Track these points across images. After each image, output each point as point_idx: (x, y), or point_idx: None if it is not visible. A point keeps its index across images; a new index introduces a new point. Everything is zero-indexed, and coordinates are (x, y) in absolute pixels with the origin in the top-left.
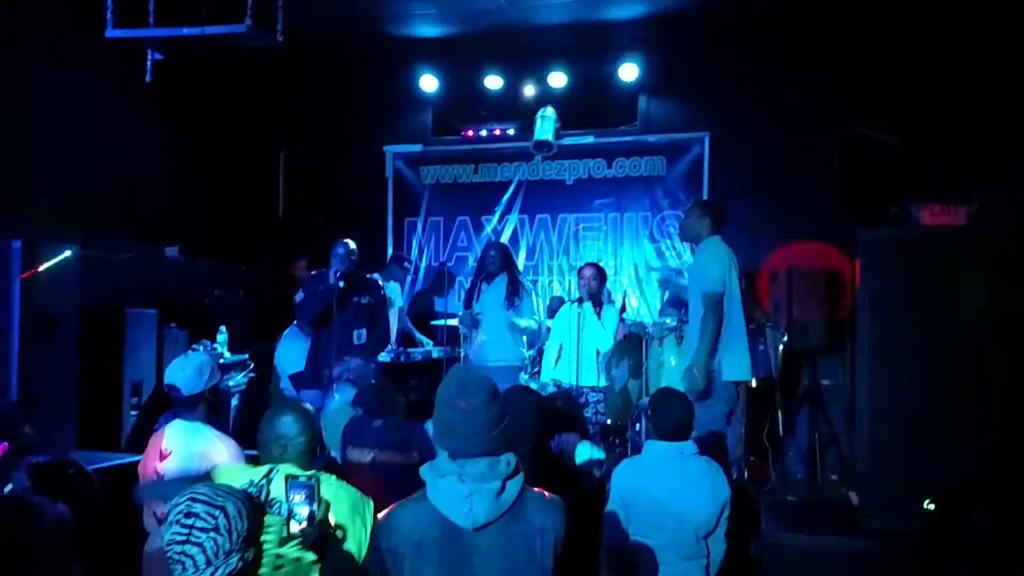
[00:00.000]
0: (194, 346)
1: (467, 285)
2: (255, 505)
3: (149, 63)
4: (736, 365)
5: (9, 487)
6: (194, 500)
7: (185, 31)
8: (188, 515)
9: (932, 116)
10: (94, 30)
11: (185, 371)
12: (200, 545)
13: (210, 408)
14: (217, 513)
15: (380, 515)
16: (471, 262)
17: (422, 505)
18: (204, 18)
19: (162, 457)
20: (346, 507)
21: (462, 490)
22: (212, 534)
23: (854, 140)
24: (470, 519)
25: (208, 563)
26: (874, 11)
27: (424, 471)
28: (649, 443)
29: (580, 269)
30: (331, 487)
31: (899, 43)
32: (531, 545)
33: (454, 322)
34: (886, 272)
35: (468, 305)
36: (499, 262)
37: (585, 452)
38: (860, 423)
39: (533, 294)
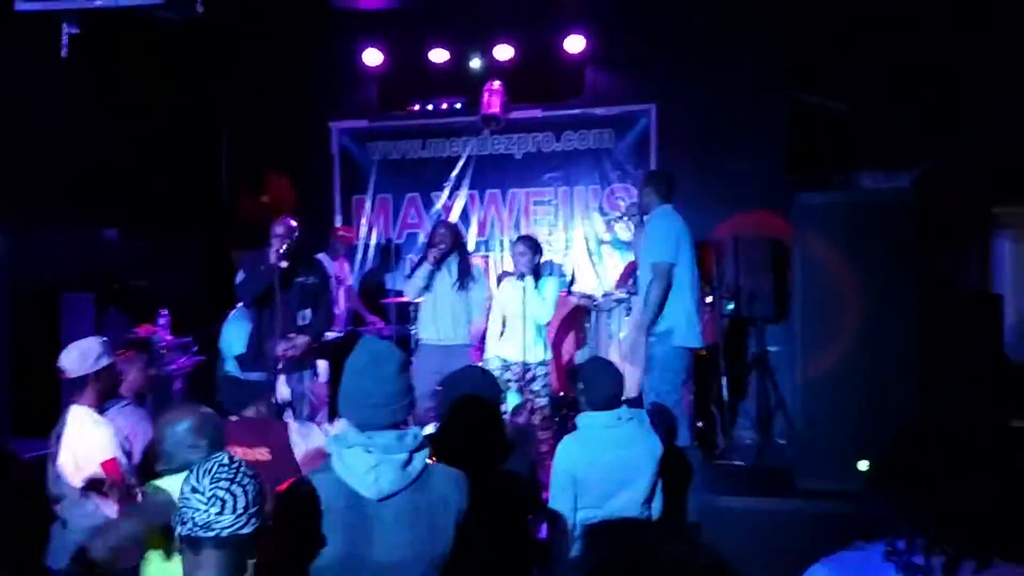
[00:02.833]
0: (133, 329)
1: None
2: None
3: (65, 37)
4: (689, 332)
5: None
6: (230, 458)
7: (99, 3)
8: (232, 461)
9: (878, 83)
10: (3, 3)
11: (71, 353)
12: (245, 489)
13: (100, 393)
14: (252, 472)
15: (280, 488)
16: (421, 239)
17: (327, 476)
18: None
19: (57, 439)
20: None
21: (368, 460)
22: (254, 483)
23: (800, 108)
24: (375, 489)
25: (246, 508)
26: None
27: (330, 443)
28: (586, 416)
29: (512, 244)
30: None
31: (843, 11)
32: (434, 516)
33: (409, 297)
34: (818, 237)
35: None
36: (448, 241)
37: None
38: (797, 387)
39: (484, 277)
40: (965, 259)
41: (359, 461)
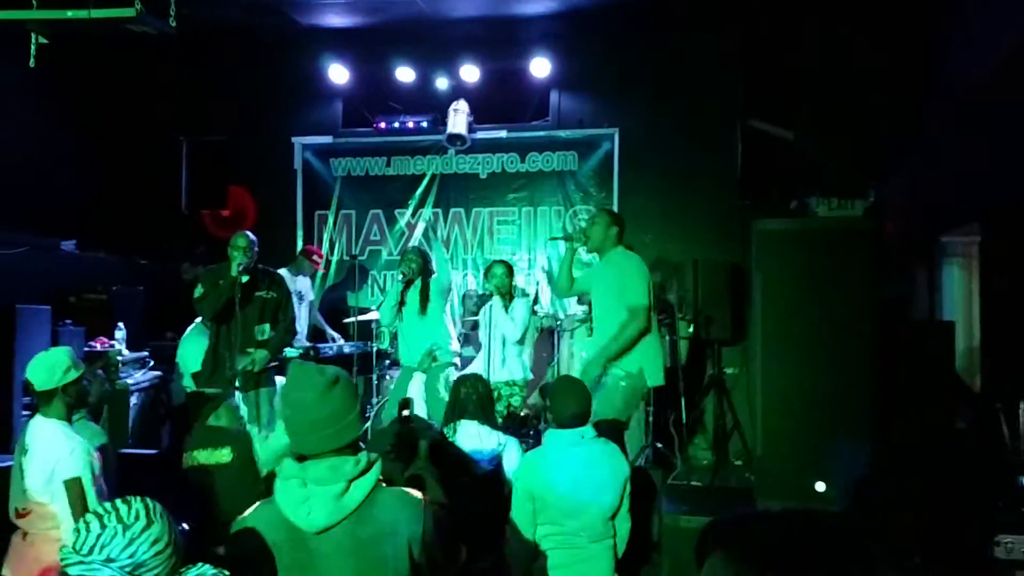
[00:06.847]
0: (90, 342)
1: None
2: (181, 553)
3: (33, 47)
4: (658, 372)
5: None
6: (143, 496)
7: (70, 14)
8: (124, 499)
9: (828, 112)
10: None
11: (39, 365)
12: (104, 526)
13: (69, 406)
14: (155, 518)
15: (238, 519)
16: (384, 256)
17: (271, 508)
18: (92, 1)
19: (24, 452)
20: None
21: (301, 493)
22: (120, 527)
23: (753, 135)
24: (309, 522)
25: (91, 549)
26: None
27: (277, 474)
28: (550, 433)
29: (487, 268)
30: None
31: (793, 44)
32: (382, 547)
33: (384, 324)
34: (776, 263)
35: (397, 311)
36: (415, 267)
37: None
38: (756, 408)
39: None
40: (914, 286)
41: (293, 494)
